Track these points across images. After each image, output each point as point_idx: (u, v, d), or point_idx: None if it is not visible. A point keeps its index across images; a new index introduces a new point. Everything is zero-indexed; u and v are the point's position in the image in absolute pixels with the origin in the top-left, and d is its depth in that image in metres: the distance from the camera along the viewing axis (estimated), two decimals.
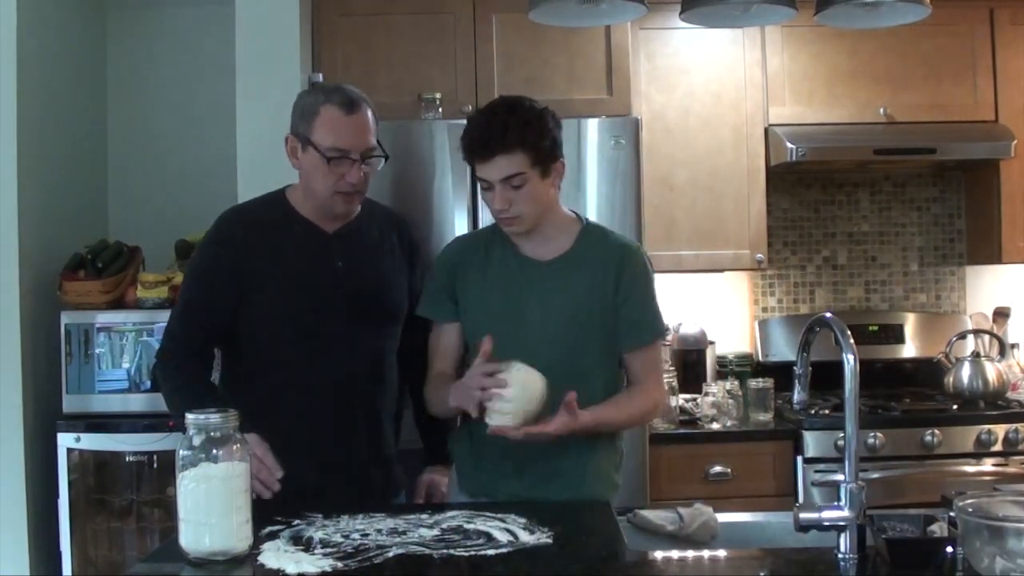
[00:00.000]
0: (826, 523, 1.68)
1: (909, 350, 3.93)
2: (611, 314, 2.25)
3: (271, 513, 1.97)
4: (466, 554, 1.75)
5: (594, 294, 2.25)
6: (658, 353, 2.36)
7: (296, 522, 1.96)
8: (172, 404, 2.32)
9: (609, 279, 2.25)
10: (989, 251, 3.84)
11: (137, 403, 3.26)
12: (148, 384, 3.25)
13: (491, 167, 2.16)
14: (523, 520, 1.94)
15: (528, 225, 2.23)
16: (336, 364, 2.33)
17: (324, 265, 2.35)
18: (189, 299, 2.39)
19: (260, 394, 2.31)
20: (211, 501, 1.71)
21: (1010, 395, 3.60)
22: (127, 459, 3.23)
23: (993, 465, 3.36)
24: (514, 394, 2.04)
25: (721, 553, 1.84)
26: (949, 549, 1.62)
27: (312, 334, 2.33)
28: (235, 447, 1.73)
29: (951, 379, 3.60)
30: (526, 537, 1.84)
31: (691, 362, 3.72)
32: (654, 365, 2.33)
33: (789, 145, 3.53)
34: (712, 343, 3.78)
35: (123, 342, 3.26)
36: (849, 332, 1.73)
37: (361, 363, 2.36)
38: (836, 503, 1.68)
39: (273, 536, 1.86)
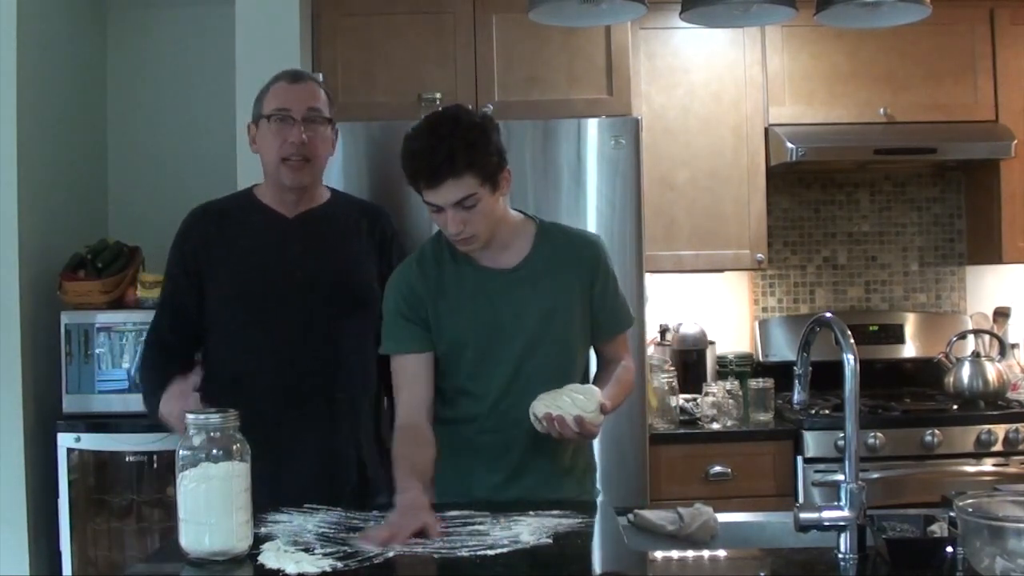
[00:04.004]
0: (826, 523, 1.68)
1: (909, 350, 3.93)
2: (587, 310, 2.26)
3: (269, 510, 1.98)
4: (466, 554, 1.75)
5: (569, 294, 2.23)
6: (627, 333, 2.41)
7: (296, 521, 1.96)
8: (145, 403, 2.42)
9: (584, 276, 2.24)
10: (989, 251, 3.84)
11: (137, 403, 3.19)
12: None
13: (440, 193, 2.07)
14: (524, 520, 1.94)
15: (484, 241, 2.17)
16: (291, 346, 2.36)
17: (281, 249, 2.40)
18: (161, 299, 2.52)
19: (224, 380, 2.34)
20: (211, 501, 1.71)
21: (1010, 395, 3.60)
22: (127, 459, 3.23)
23: (993, 465, 3.36)
24: (591, 418, 2.07)
25: (721, 553, 1.83)
26: (949, 549, 1.62)
27: (267, 317, 2.37)
28: (235, 447, 1.74)
29: (951, 379, 3.60)
30: (526, 537, 1.83)
31: (691, 362, 3.72)
32: (626, 343, 2.40)
33: (789, 145, 3.53)
34: (712, 343, 3.78)
35: (123, 342, 3.27)
36: (849, 332, 1.73)
37: (319, 346, 2.37)
38: (836, 503, 1.68)
39: (273, 536, 1.86)
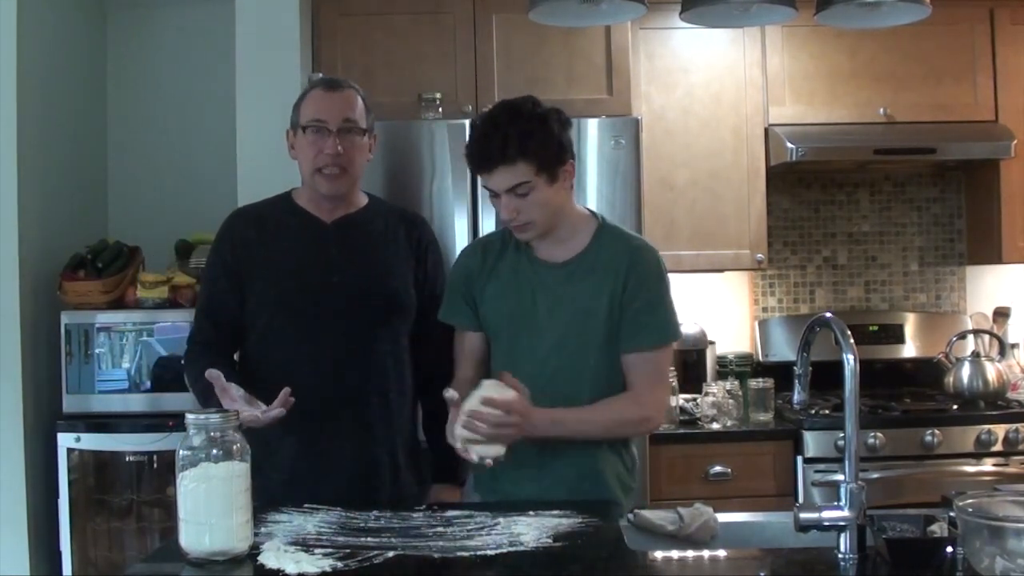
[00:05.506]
0: (826, 523, 1.68)
1: (909, 350, 3.93)
2: (618, 316, 2.21)
3: (269, 510, 1.97)
4: (466, 554, 1.75)
5: (602, 296, 2.21)
6: (660, 361, 2.24)
7: (296, 521, 1.96)
8: (196, 393, 2.35)
9: (618, 280, 2.21)
10: (989, 251, 3.83)
11: (137, 403, 3.26)
12: (148, 384, 3.26)
13: (494, 179, 2.14)
14: (524, 520, 1.94)
15: (539, 230, 2.20)
16: (327, 350, 2.37)
17: (318, 253, 2.42)
18: (200, 299, 2.54)
19: (262, 382, 2.32)
20: (211, 501, 1.71)
21: (1010, 395, 3.60)
22: (127, 459, 3.23)
23: (993, 465, 3.36)
24: (472, 405, 2.06)
25: (721, 553, 1.83)
26: (949, 549, 1.62)
27: (304, 321, 2.38)
28: (235, 447, 1.74)
29: (951, 379, 3.60)
30: (526, 537, 1.84)
31: (691, 362, 3.72)
32: (651, 373, 2.22)
33: (789, 145, 3.53)
34: (712, 343, 3.78)
35: (123, 342, 3.27)
36: (849, 332, 1.73)
37: (355, 350, 2.39)
38: (836, 503, 1.68)
39: (273, 536, 1.86)
